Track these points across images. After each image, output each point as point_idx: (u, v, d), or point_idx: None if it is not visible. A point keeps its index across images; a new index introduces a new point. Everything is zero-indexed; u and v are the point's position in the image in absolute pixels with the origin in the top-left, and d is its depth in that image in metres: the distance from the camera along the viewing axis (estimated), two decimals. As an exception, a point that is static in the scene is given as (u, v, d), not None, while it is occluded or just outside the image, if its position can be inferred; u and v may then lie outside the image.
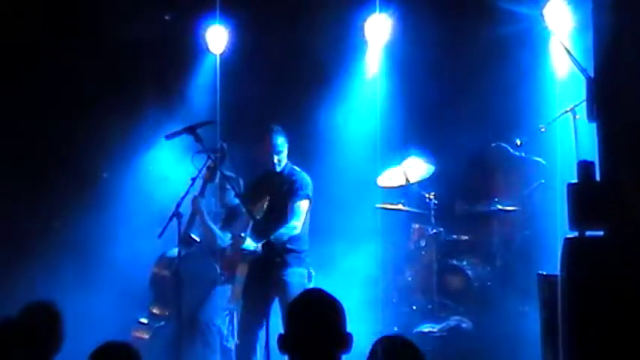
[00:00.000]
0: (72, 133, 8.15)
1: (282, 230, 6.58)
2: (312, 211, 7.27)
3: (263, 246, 6.44)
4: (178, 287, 6.64)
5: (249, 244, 6.54)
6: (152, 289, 7.49)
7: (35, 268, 7.74)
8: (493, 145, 8.37)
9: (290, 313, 3.45)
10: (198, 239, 7.19)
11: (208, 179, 7.03)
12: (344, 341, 3.37)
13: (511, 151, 8.23)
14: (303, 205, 6.70)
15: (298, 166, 7.00)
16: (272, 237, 6.43)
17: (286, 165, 6.84)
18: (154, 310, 7.41)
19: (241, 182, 7.25)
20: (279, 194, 6.73)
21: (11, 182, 8.05)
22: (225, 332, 7.32)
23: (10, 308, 4.62)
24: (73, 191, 8.12)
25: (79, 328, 5.84)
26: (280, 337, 3.42)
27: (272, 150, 6.72)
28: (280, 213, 6.67)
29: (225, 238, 7.16)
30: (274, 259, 6.43)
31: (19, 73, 8.09)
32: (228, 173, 6.89)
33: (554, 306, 4.15)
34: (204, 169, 6.85)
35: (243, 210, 6.76)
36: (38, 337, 4.39)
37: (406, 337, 3.73)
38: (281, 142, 6.75)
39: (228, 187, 6.99)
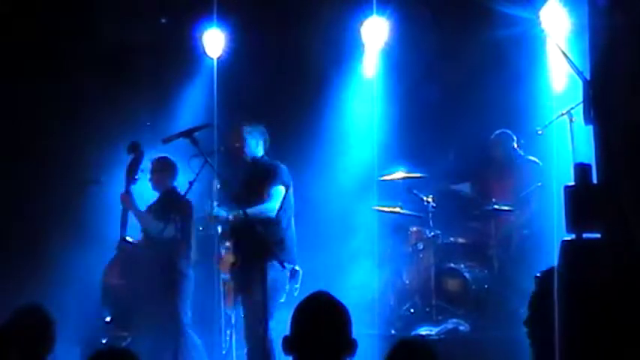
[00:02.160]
0: (68, 137, 8.14)
1: (258, 207, 6.66)
2: (309, 212, 7.26)
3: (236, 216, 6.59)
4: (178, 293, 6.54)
5: (220, 210, 6.66)
6: (106, 302, 7.25)
7: (29, 271, 7.72)
8: (497, 132, 8.41)
9: (297, 314, 3.45)
10: (132, 240, 7.18)
11: (131, 175, 7.18)
12: (349, 346, 3.39)
13: (514, 138, 8.27)
14: (278, 191, 6.77)
15: (299, 167, 7.11)
16: (248, 210, 6.52)
17: (263, 157, 6.93)
18: (116, 332, 7.12)
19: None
20: (254, 182, 6.81)
21: (5, 184, 8.03)
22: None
23: (2, 312, 4.62)
24: (69, 194, 8.12)
25: (78, 333, 5.86)
26: (285, 338, 3.42)
27: (240, 137, 6.87)
28: (256, 198, 6.72)
29: (159, 227, 7.15)
30: (246, 229, 6.51)
31: (15, 76, 8.08)
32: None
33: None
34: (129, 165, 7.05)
35: (174, 197, 7.16)
36: (30, 340, 4.39)
37: (424, 341, 3.73)
38: (249, 130, 6.88)
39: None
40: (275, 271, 6.46)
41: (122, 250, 7.11)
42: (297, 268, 6.78)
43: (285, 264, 6.53)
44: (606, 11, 4.11)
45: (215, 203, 6.71)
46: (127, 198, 7.16)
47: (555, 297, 3.78)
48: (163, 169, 7.38)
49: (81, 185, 7.60)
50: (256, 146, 6.90)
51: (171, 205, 7.21)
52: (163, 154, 7.32)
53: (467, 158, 8.67)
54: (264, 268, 6.38)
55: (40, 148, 8.17)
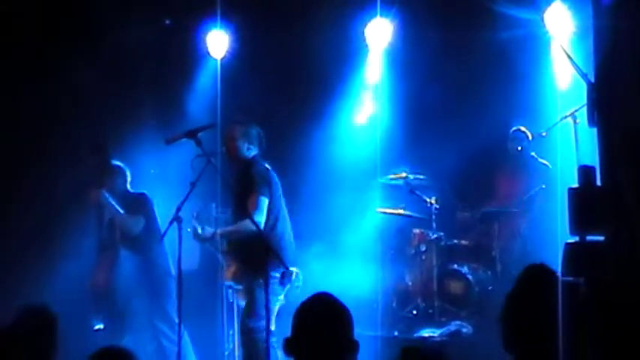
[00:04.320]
0: (71, 138, 8.14)
1: (244, 224, 6.45)
2: (312, 214, 7.22)
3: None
4: (180, 297, 6.47)
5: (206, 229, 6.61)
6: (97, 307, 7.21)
7: (32, 273, 7.72)
8: (512, 129, 8.38)
9: (298, 315, 3.44)
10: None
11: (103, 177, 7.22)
12: (351, 348, 3.37)
13: (529, 137, 8.23)
14: (261, 200, 6.52)
15: (302, 169, 7.05)
16: (220, 230, 6.63)
17: (254, 159, 6.71)
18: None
19: None
20: (245, 185, 6.62)
21: (8, 185, 8.03)
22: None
23: (5, 314, 4.61)
24: (72, 195, 8.11)
25: (77, 334, 5.85)
26: (286, 340, 3.41)
27: (231, 138, 6.76)
28: (240, 205, 6.57)
29: (138, 223, 7.19)
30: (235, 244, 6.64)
31: (17, 77, 8.07)
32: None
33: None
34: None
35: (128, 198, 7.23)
36: (34, 342, 4.38)
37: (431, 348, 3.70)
38: (241, 131, 6.74)
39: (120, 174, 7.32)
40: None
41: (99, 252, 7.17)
42: (292, 269, 6.56)
43: (275, 273, 6.41)
44: (610, 13, 4.10)
45: (194, 221, 6.58)
46: (101, 194, 7.16)
47: (560, 302, 3.77)
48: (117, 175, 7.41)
49: (81, 187, 7.58)
50: (248, 148, 6.72)
51: (134, 204, 7.29)
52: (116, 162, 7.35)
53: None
54: (253, 286, 6.43)
55: (40, 148, 8.16)
